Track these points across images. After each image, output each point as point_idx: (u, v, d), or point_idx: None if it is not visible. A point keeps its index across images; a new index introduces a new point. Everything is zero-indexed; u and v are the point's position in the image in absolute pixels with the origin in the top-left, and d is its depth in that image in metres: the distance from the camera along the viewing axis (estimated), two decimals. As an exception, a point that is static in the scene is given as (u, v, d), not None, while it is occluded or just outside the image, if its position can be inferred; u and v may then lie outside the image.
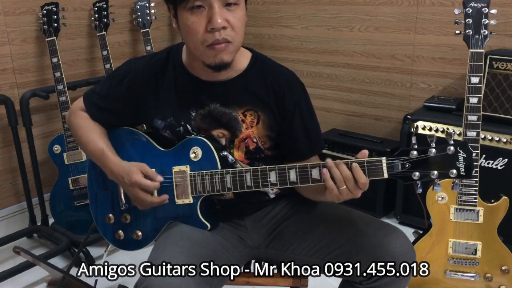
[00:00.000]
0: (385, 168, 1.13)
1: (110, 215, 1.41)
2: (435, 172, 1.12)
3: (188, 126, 1.33)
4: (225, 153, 1.34)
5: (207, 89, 1.32)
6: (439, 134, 2.24)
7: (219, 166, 1.29)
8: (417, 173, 1.12)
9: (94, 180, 1.44)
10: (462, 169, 1.11)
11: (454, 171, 1.11)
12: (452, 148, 1.10)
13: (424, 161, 1.12)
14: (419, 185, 1.15)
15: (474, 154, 1.13)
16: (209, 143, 1.30)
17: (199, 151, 1.30)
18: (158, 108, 1.34)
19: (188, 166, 1.30)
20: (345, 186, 1.14)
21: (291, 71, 1.39)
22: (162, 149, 1.36)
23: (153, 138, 1.38)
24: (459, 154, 1.11)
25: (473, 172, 1.12)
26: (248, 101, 1.32)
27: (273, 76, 1.34)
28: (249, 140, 1.33)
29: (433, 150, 1.11)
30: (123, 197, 1.37)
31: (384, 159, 1.14)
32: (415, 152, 1.12)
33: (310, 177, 1.19)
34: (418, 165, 1.12)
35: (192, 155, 1.30)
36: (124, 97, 1.37)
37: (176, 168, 1.31)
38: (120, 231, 1.40)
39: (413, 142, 1.14)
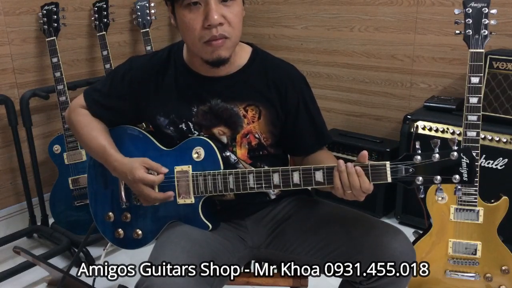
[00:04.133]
0: (389, 172, 1.14)
1: (110, 213, 1.41)
2: (438, 177, 1.12)
3: (190, 124, 1.33)
4: (228, 153, 1.34)
5: (207, 85, 1.32)
6: (439, 134, 2.24)
7: (222, 167, 1.29)
8: (420, 178, 1.12)
9: (94, 178, 1.44)
10: (465, 175, 1.11)
11: (457, 176, 1.11)
12: (455, 153, 1.11)
13: (427, 166, 1.12)
14: (421, 190, 1.15)
15: (476, 155, 1.13)
16: (212, 143, 1.30)
17: (201, 151, 1.30)
18: (160, 105, 1.34)
19: (190, 166, 1.30)
20: (350, 191, 1.15)
21: (291, 65, 1.40)
22: (164, 148, 1.36)
23: (155, 137, 1.38)
24: (462, 159, 1.11)
25: (475, 178, 1.12)
26: (249, 96, 1.32)
27: (274, 71, 1.34)
28: (250, 135, 1.33)
29: (437, 155, 1.11)
30: (123, 195, 1.36)
31: (388, 163, 1.14)
32: (418, 157, 1.12)
33: (314, 180, 1.19)
34: (422, 170, 1.12)
35: (194, 155, 1.30)
36: (125, 95, 1.37)
37: (178, 168, 1.31)
38: (120, 230, 1.40)
39: (417, 146, 1.15)
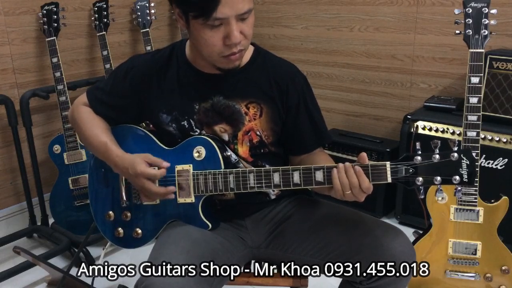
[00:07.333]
0: (389, 172, 1.14)
1: (110, 212, 1.41)
2: (438, 178, 1.12)
3: (192, 121, 1.33)
4: (229, 153, 1.34)
5: (210, 82, 1.33)
6: (439, 134, 2.24)
7: (222, 166, 1.29)
8: (420, 179, 1.13)
9: (95, 177, 1.44)
10: (465, 176, 1.11)
11: (457, 177, 1.11)
12: (456, 154, 1.11)
13: (427, 166, 1.12)
14: (421, 190, 1.15)
15: (476, 155, 1.13)
16: (213, 142, 1.30)
17: (202, 151, 1.30)
18: (162, 102, 1.35)
19: (191, 165, 1.30)
20: (350, 191, 1.15)
21: (293, 64, 1.40)
22: (165, 147, 1.36)
23: (156, 136, 1.38)
24: (462, 161, 1.11)
25: (475, 179, 1.12)
26: (251, 93, 1.32)
27: (275, 69, 1.35)
28: (252, 133, 1.33)
29: (437, 156, 1.12)
30: (124, 195, 1.37)
31: (388, 163, 1.14)
32: (419, 158, 1.12)
33: (314, 180, 1.19)
34: (422, 170, 1.12)
35: (195, 154, 1.30)
36: (128, 93, 1.37)
37: (179, 167, 1.31)
38: (120, 229, 1.40)
39: (417, 147, 1.15)
